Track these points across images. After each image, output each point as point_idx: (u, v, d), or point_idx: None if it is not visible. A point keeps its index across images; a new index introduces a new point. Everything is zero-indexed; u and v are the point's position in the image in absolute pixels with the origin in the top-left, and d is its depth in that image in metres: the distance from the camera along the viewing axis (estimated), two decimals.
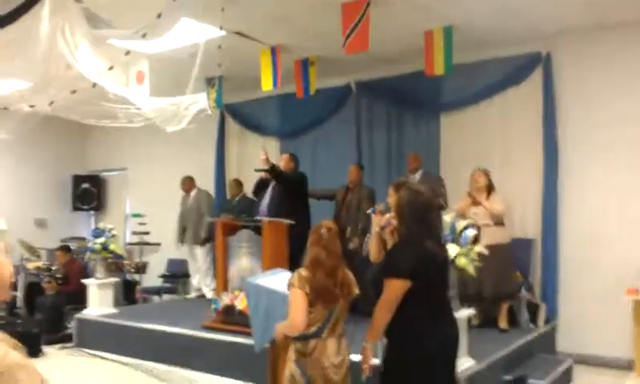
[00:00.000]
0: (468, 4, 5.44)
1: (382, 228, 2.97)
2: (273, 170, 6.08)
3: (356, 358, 3.04)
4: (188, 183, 8.41)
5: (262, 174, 6.44)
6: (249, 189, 7.45)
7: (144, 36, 4.12)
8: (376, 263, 3.04)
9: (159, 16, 3.90)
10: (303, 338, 2.88)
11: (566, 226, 6.18)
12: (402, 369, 2.71)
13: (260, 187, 6.64)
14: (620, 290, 5.46)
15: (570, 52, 6.21)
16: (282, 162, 6.60)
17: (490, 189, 5.79)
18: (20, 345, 1.16)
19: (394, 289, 2.66)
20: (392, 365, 2.75)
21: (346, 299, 3.00)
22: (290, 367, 2.90)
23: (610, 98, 6.00)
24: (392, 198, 2.87)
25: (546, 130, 6.30)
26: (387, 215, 2.98)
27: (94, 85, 4.65)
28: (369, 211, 3.21)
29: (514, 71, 6.51)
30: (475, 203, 5.73)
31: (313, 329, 2.88)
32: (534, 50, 6.36)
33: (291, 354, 2.93)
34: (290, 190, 6.18)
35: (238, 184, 8.08)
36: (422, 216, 2.75)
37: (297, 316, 2.84)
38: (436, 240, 2.81)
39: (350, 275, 3.07)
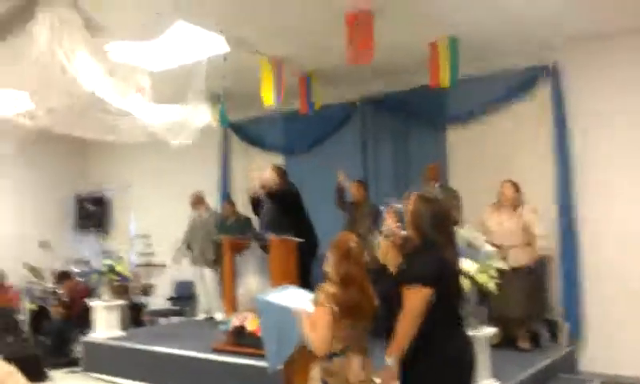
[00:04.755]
0: (473, 14, 5.36)
1: (386, 236, 2.93)
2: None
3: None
4: (196, 199, 8.30)
5: (252, 192, 6.33)
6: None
7: (141, 37, 4.09)
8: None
9: (158, 14, 3.86)
10: (329, 356, 2.81)
11: (585, 242, 6.02)
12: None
13: (256, 204, 6.35)
14: None
15: (579, 62, 6.12)
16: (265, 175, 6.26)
17: (516, 203, 5.66)
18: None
19: (419, 297, 2.58)
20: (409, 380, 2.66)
21: (371, 314, 2.94)
22: None
23: (623, 107, 5.89)
24: (410, 206, 2.80)
25: (557, 143, 6.19)
26: (391, 225, 2.93)
27: (93, 92, 4.60)
28: (381, 207, 3.13)
29: (520, 83, 6.43)
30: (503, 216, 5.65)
31: (339, 346, 2.81)
32: (541, 61, 6.28)
33: (315, 374, 2.86)
34: (286, 207, 6.00)
35: (231, 205, 8.02)
36: (441, 224, 2.72)
37: (323, 337, 2.78)
38: (452, 250, 2.79)
39: (372, 289, 3.01)
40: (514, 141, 6.48)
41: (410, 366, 2.65)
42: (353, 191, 6.44)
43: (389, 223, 2.96)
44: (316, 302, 2.87)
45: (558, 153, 6.19)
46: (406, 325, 2.58)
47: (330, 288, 2.86)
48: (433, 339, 2.60)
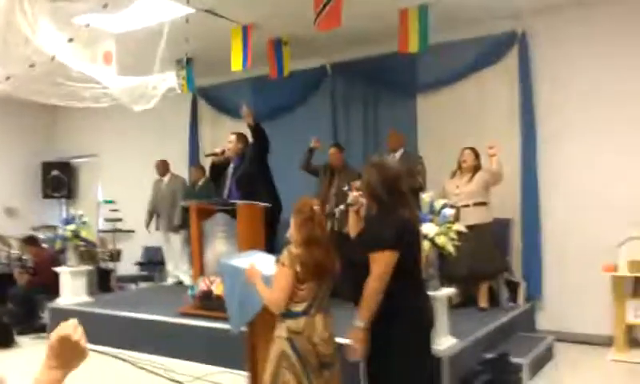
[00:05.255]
0: None
1: (349, 205, 3.00)
2: (256, 127, 5.88)
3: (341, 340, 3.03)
4: (162, 167, 8.25)
5: (213, 159, 6.23)
6: None
7: (105, 7, 3.99)
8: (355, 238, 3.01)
9: None
10: (294, 315, 2.90)
11: (545, 205, 6.20)
12: (387, 345, 2.69)
13: (217, 172, 6.27)
14: (600, 267, 5.51)
15: (546, 30, 6.19)
16: (229, 144, 6.06)
17: (476, 169, 5.79)
18: None
19: (385, 261, 2.65)
20: (377, 343, 2.73)
21: (332, 275, 3.03)
22: (282, 344, 2.91)
23: (587, 75, 5.99)
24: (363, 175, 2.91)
25: (522, 109, 6.30)
26: (355, 193, 2.99)
27: (53, 58, 4.47)
28: (345, 188, 3.20)
29: (489, 51, 6.50)
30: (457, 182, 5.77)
31: (303, 306, 2.91)
32: (509, 28, 6.34)
33: (282, 332, 2.93)
34: (257, 161, 5.90)
35: (200, 169, 7.97)
36: (391, 187, 2.77)
37: (280, 295, 2.88)
38: (409, 208, 2.84)
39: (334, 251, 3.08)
40: (483, 107, 6.55)
41: (374, 327, 2.71)
42: (333, 157, 6.43)
43: (354, 194, 3.03)
44: (279, 262, 2.94)
45: (523, 119, 6.30)
46: (372, 288, 2.65)
47: (293, 250, 2.93)
48: (395, 299, 2.67)
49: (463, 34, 6.47)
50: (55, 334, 1.22)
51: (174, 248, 8.11)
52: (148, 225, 8.23)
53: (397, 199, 2.75)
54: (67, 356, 1.22)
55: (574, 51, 6.06)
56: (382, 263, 2.64)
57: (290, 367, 2.88)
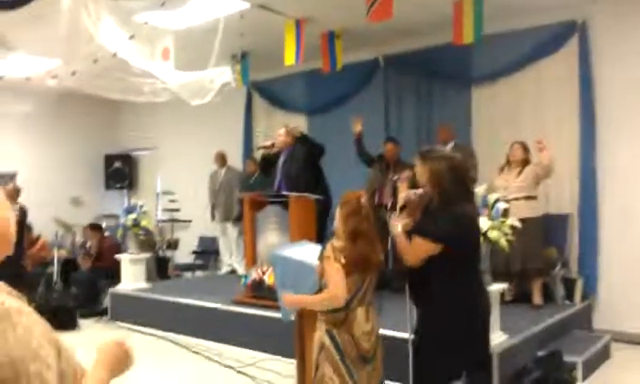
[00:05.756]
0: None
1: (402, 208, 2.92)
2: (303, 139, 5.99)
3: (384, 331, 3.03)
4: (221, 158, 8.48)
5: (263, 152, 6.33)
6: None
7: (162, 4, 4.13)
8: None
9: None
10: (333, 309, 2.85)
11: (604, 200, 5.97)
12: (437, 340, 2.69)
13: (267, 164, 6.38)
14: None
15: (607, 19, 5.95)
16: (279, 136, 6.16)
17: (525, 163, 5.68)
18: (18, 293, 1.15)
19: (422, 248, 2.64)
20: (426, 336, 2.74)
21: (377, 269, 2.98)
22: (321, 336, 2.89)
23: None
24: (420, 168, 2.80)
25: (582, 101, 6.08)
26: (407, 192, 2.92)
27: (115, 54, 4.67)
28: (394, 178, 3.16)
29: (547, 41, 6.29)
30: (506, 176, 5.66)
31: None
32: (568, 17, 6.12)
33: (321, 325, 2.91)
34: (307, 160, 5.97)
35: (255, 162, 8.10)
36: (458, 176, 2.71)
37: (339, 288, 2.80)
38: (472, 204, 2.80)
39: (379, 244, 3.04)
40: (541, 99, 6.36)
41: (424, 327, 2.73)
42: (389, 151, 6.46)
43: (403, 193, 2.96)
44: (323, 257, 2.89)
45: (583, 111, 6.08)
46: (401, 251, 2.73)
47: (337, 242, 2.90)
48: (450, 291, 2.66)
49: (519, 23, 6.30)
50: (110, 339, 1.33)
51: (229, 238, 8.30)
52: (213, 217, 8.46)
53: (461, 192, 2.70)
54: (117, 363, 1.31)
55: (637, 42, 5.80)
56: (418, 248, 2.64)
57: (328, 359, 2.84)
